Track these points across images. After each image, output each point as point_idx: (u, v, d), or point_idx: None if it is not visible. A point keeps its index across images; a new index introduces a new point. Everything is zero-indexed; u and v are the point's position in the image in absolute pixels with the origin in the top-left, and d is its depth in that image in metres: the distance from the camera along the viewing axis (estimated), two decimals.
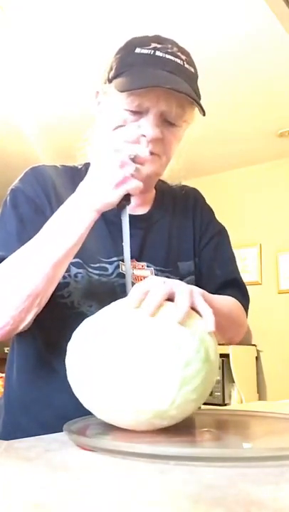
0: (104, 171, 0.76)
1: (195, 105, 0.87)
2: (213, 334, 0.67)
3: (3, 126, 3.65)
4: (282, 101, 3.43)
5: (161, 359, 0.60)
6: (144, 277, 0.92)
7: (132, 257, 0.82)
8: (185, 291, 0.66)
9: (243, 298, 1.02)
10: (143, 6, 2.46)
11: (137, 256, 0.93)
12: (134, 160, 0.76)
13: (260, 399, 4.08)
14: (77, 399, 0.67)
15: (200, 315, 0.67)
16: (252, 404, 1.60)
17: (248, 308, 1.03)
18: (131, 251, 0.82)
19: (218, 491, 0.43)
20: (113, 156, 0.75)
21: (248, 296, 1.04)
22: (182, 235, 1.01)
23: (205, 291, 0.74)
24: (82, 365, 0.64)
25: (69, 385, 0.67)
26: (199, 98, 0.89)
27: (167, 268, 0.96)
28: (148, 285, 0.66)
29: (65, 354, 0.70)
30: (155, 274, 0.94)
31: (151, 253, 0.96)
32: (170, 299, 0.66)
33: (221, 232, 1.08)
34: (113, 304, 0.71)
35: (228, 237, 1.09)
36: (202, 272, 1.01)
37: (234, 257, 1.07)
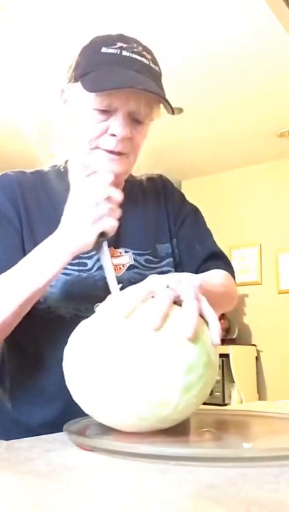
0: (79, 212, 0.78)
1: (163, 103, 0.88)
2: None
3: (3, 127, 3.65)
4: (282, 101, 3.43)
5: (163, 365, 0.59)
6: (123, 265, 0.93)
7: (109, 246, 0.82)
8: (192, 296, 0.65)
9: (228, 268, 1.02)
10: (143, 7, 2.46)
11: (114, 243, 0.93)
12: (108, 200, 0.78)
13: (260, 399, 4.08)
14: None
15: (204, 320, 0.66)
16: (252, 404, 1.60)
17: (234, 277, 1.03)
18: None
19: (218, 491, 0.43)
20: (88, 196, 0.77)
21: (232, 266, 1.05)
22: (157, 219, 1.02)
23: (203, 283, 0.73)
24: (82, 372, 0.63)
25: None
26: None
27: (146, 250, 0.96)
28: (147, 287, 0.66)
29: (53, 360, 0.71)
30: (134, 259, 0.94)
31: (128, 238, 0.96)
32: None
33: (195, 211, 1.08)
34: (110, 301, 0.70)
35: (202, 215, 1.09)
36: (181, 250, 1.01)
37: (211, 233, 1.08)
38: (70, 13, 2.49)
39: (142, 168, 1.02)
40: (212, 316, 0.66)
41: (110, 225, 0.77)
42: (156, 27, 2.62)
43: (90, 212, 0.76)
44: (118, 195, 0.79)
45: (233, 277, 1.02)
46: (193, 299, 0.65)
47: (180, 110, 3.54)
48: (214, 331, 0.65)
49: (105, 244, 0.79)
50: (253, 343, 4.32)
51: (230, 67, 3.03)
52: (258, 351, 4.28)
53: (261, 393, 4.18)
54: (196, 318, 0.62)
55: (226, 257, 1.05)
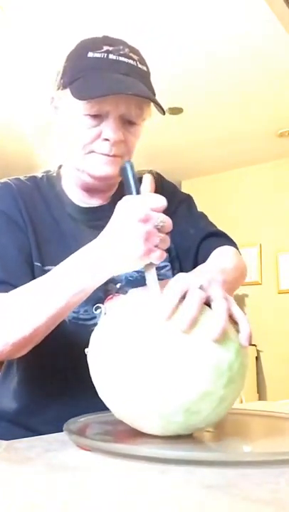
0: (128, 242, 0.71)
1: (153, 105, 0.88)
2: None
3: (3, 127, 3.65)
4: (282, 101, 3.43)
5: (207, 376, 0.58)
6: None
7: None
8: (221, 298, 0.63)
9: (231, 243, 1.00)
10: (143, 7, 2.46)
11: None
12: (160, 230, 0.72)
13: (260, 399, 4.08)
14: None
15: (234, 322, 0.65)
16: (252, 404, 1.60)
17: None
18: None
19: (218, 491, 0.43)
20: (138, 226, 0.70)
21: (233, 240, 1.03)
22: None
23: (224, 275, 0.71)
24: (111, 373, 0.62)
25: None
26: (154, 95, 0.90)
27: None
28: (182, 287, 0.63)
29: (53, 361, 0.70)
30: None
31: None
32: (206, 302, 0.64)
33: (187, 199, 1.07)
34: (141, 297, 0.69)
35: (194, 202, 1.08)
36: (177, 242, 0.99)
37: (204, 215, 1.06)
38: (70, 13, 2.49)
39: (137, 168, 1.03)
40: (242, 318, 0.65)
41: (159, 257, 0.72)
42: (156, 27, 2.62)
43: (139, 246, 0.70)
44: (170, 224, 0.73)
45: (237, 249, 1.00)
46: (223, 301, 0.63)
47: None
48: (244, 332, 0.64)
49: (153, 273, 0.73)
50: (253, 343, 4.32)
51: (230, 67, 3.03)
52: (258, 351, 4.28)
53: (261, 393, 4.18)
54: (225, 321, 0.61)
55: (224, 233, 1.03)
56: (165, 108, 0.93)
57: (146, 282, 0.73)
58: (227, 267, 0.86)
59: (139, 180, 0.79)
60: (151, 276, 0.72)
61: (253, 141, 4.09)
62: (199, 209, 1.10)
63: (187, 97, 3.36)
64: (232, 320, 0.64)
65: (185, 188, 5.74)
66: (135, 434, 0.63)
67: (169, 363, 0.58)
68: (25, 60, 2.89)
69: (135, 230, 0.70)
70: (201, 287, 0.64)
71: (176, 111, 3.54)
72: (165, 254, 0.73)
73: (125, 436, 0.63)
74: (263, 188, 4.51)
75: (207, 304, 0.64)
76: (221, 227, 1.08)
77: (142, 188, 0.77)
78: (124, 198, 0.74)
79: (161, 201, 0.72)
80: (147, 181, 0.76)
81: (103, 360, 0.63)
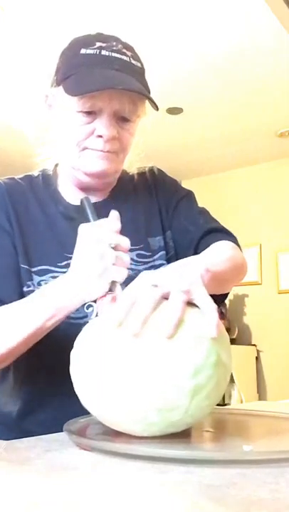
0: (85, 264, 0.76)
1: (148, 102, 0.88)
2: (224, 330, 0.63)
3: (3, 127, 3.65)
4: (282, 101, 3.43)
5: (169, 369, 0.57)
6: None
7: None
8: (176, 291, 0.61)
9: (230, 237, 0.99)
10: (143, 7, 2.46)
11: None
12: (115, 248, 0.76)
13: (260, 399, 4.08)
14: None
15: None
16: (252, 404, 1.60)
17: (239, 245, 0.99)
18: None
19: (218, 491, 0.43)
20: (93, 247, 0.75)
21: (233, 235, 1.01)
22: (148, 212, 1.01)
23: (209, 265, 0.70)
24: (90, 377, 0.62)
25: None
26: (149, 92, 0.90)
27: (138, 245, 0.95)
28: (135, 292, 0.63)
29: (46, 363, 0.72)
30: None
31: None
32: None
33: (187, 195, 1.06)
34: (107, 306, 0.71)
35: (194, 198, 1.08)
36: (177, 239, 1.00)
37: (205, 210, 1.05)
38: (70, 14, 2.49)
39: (135, 165, 1.02)
40: (207, 307, 0.61)
41: (118, 274, 0.75)
42: (156, 27, 2.62)
43: (95, 265, 0.74)
44: (126, 243, 0.77)
45: (238, 245, 0.98)
46: (178, 293, 0.61)
47: (180, 110, 3.54)
48: (210, 322, 0.60)
49: (119, 290, 0.76)
50: (253, 343, 4.32)
51: (230, 68, 3.03)
52: (258, 351, 4.28)
53: (261, 393, 4.18)
54: (176, 313, 0.59)
55: (224, 228, 1.02)
56: (165, 108, 0.93)
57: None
58: (215, 257, 0.84)
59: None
60: (118, 293, 0.75)
61: (253, 141, 4.09)
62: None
63: (187, 97, 3.36)
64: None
65: None
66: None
67: (130, 365, 0.58)
68: (25, 60, 2.89)
69: (89, 251, 0.75)
70: (155, 285, 0.63)
71: (176, 111, 3.54)
72: (125, 271, 0.75)
73: (125, 436, 0.62)
74: (263, 188, 4.51)
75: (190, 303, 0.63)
76: None
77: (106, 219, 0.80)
78: (80, 226, 0.79)
79: (114, 224, 0.78)
80: (112, 214, 0.81)
81: (81, 367, 0.64)
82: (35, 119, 1.01)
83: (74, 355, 0.67)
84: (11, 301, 0.83)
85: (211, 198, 4.79)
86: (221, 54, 2.89)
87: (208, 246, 0.93)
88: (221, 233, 1.00)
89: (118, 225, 0.78)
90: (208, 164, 4.58)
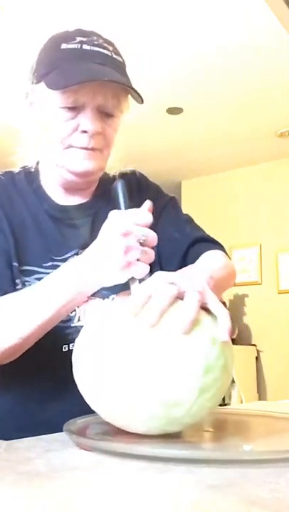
0: (109, 255, 0.73)
1: (131, 93, 0.86)
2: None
3: (3, 127, 3.65)
4: (282, 101, 3.43)
5: (183, 364, 0.58)
6: None
7: (84, 247, 0.80)
8: (192, 290, 0.62)
9: (219, 246, 0.99)
10: (143, 7, 2.46)
11: (90, 243, 0.90)
12: (142, 243, 0.72)
13: (260, 399, 4.08)
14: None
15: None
16: (252, 404, 1.60)
17: (226, 251, 1.00)
18: (83, 240, 0.85)
19: (219, 491, 0.43)
20: (120, 240, 0.72)
21: (220, 243, 1.02)
22: None
23: (212, 276, 0.70)
24: (92, 372, 0.62)
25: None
26: (131, 86, 0.90)
27: None
28: (152, 287, 0.63)
29: (40, 362, 0.72)
30: None
31: None
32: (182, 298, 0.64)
33: (170, 201, 1.05)
34: (118, 301, 0.69)
35: (177, 204, 1.07)
36: (161, 245, 1.00)
37: (190, 218, 1.05)
38: (70, 14, 2.49)
39: (116, 165, 1.00)
40: (220, 312, 0.63)
41: (142, 271, 0.72)
42: (156, 27, 2.62)
43: (120, 258, 0.71)
44: (154, 239, 0.73)
45: (226, 253, 0.99)
46: (194, 292, 0.62)
47: (180, 110, 3.54)
48: (222, 326, 0.62)
49: (136, 286, 0.73)
50: (253, 343, 4.32)
51: (230, 68, 3.03)
52: (258, 351, 4.28)
53: (261, 393, 4.18)
54: (194, 311, 0.60)
55: (211, 237, 1.02)
56: (165, 108, 0.92)
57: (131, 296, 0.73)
58: (214, 265, 0.86)
59: (129, 196, 0.81)
60: (134, 289, 0.72)
61: (253, 141, 4.09)
62: (200, 210, 1.09)
63: (187, 97, 3.36)
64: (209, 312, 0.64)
65: (185, 188, 5.72)
66: (135, 434, 0.63)
67: (141, 357, 0.58)
68: (25, 60, 2.89)
69: (115, 243, 0.72)
70: (172, 283, 0.63)
71: (176, 111, 3.54)
72: (148, 268, 0.73)
73: (125, 435, 0.63)
74: (263, 188, 4.51)
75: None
76: (221, 227, 1.08)
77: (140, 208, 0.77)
78: (110, 212, 0.75)
79: (147, 217, 0.74)
80: (146, 204, 0.77)
81: (84, 364, 0.64)
82: (11, 116, 0.99)
83: (77, 348, 0.66)
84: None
85: (211, 198, 4.80)
86: (221, 54, 2.89)
87: (198, 255, 0.93)
88: (210, 242, 1.01)
89: (150, 219, 0.74)
90: (208, 164, 4.58)
